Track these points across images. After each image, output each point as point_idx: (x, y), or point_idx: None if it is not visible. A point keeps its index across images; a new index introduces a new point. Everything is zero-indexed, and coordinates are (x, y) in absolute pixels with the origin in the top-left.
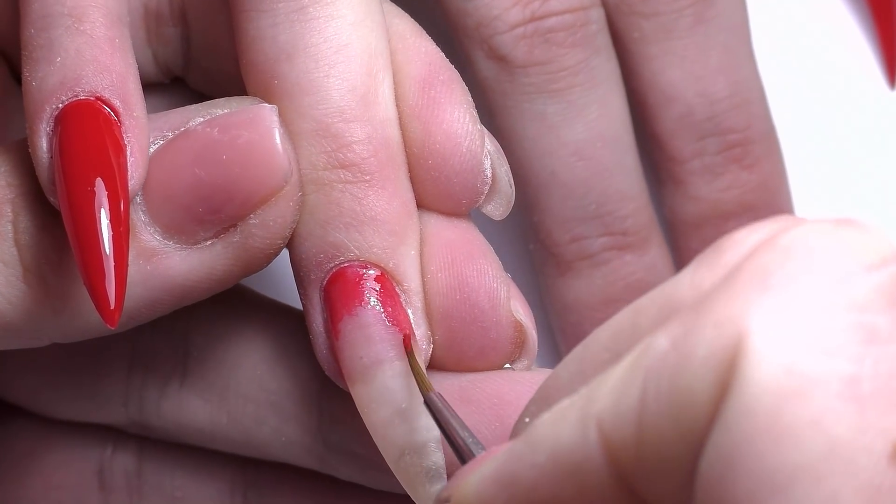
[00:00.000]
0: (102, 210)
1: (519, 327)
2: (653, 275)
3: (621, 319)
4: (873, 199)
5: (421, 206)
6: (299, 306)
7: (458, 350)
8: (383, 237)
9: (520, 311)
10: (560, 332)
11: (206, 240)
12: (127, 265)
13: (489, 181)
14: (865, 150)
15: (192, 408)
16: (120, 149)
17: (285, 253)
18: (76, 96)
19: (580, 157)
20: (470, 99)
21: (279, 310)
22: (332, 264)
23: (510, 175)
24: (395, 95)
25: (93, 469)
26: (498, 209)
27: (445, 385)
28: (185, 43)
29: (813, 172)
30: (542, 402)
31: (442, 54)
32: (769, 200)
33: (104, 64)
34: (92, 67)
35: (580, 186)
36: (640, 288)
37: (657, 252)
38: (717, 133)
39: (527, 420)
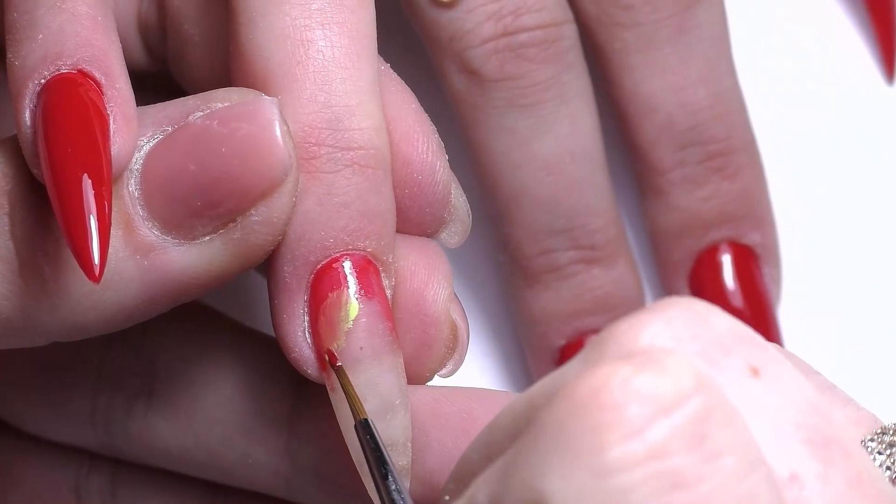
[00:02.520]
0: (84, 173)
1: (454, 329)
2: (620, 289)
3: (518, 406)
4: (859, 205)
5: None
6: (267, 329)
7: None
8: (389, 232)
9: (457, 314)
10: (527, 343)
11: (204, 235)
12: (109, 226)
13: (452, 210)
14: (850, 159)
15: (158, 429)
16: (103, 117)
17: (250, 275)
18: (58, 70)
19: (550, 171)
20: (434, 128)
21: (247, 333)
22: (338, 250)
23: (468, 204)
24: None
25: (69, 487)
26: (453, 237)
27: (416, 396)
28: (174, 51)
29: (796, 180)
30: (458, 480)
31: (409, 90)
32: (750, 210)
33: (86, 38)
34: (73, 42)
35: (549, 200)
36: (606, 301)
37: (625, 267)
38: (697, 143)
39: (446, 498)
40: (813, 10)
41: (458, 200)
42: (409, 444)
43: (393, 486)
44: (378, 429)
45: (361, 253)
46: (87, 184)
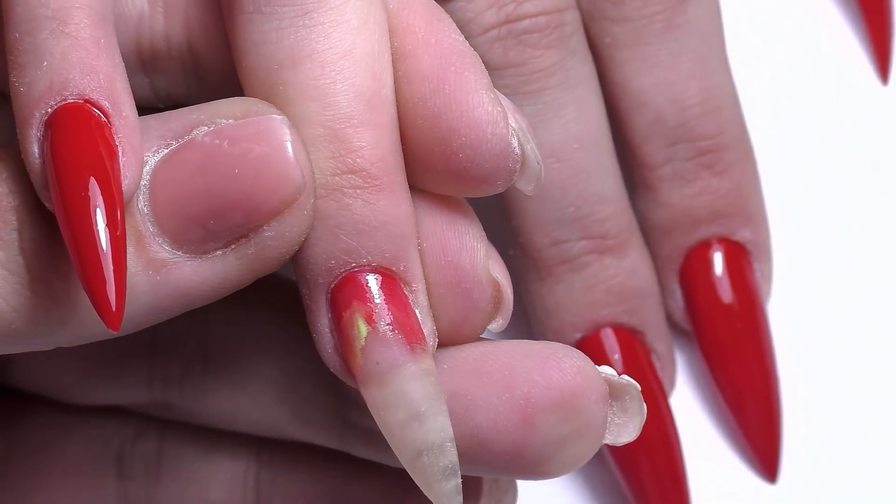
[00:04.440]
0: (98, 212)
1: (496, 286)
2: (634, 278)
3: None
4: (852, 203)
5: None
6: None
7: (446, 318)
8: (394, 241)
9: (496, 269)
10: (543, 337)
11: (216, 250)
12: (126, 267)
13: (520, 157)
14: (846, 155)
15: (213, 389)
16: (111, 150)
17: None
18: (65, 100)
19: (557, 158)
20: (487, 80)
21: (297, 291)
22: (343, 270)
23: (536, 151)
24: (411, 97)
25: (112, 456)
26: (529, 184)
27: (459, 357)
28: (192, 75)
29: (788, 177)
30: None
31: (455, 36)
32: (741, 207)
33: (91, 65)
34: (79, 70)
35: (557, 189)
36: (620, 292)
37: (638, 255)
38: (688, 139)
39: None
40: (806, 10)
41: (526, 148)
42: (450, 444)
43: None
44: (415, 437)
45: (368, 268)
46: (101, 227)
